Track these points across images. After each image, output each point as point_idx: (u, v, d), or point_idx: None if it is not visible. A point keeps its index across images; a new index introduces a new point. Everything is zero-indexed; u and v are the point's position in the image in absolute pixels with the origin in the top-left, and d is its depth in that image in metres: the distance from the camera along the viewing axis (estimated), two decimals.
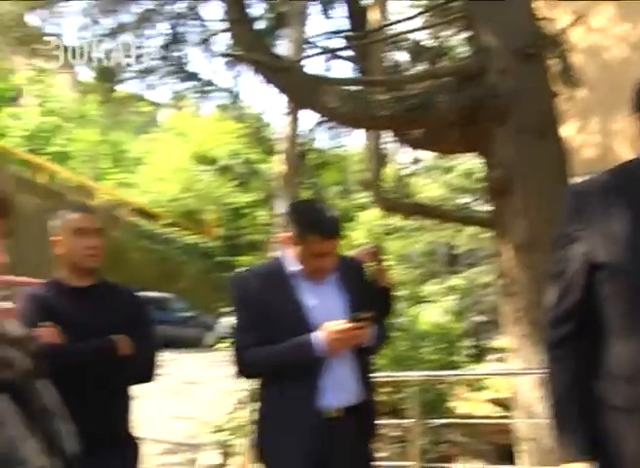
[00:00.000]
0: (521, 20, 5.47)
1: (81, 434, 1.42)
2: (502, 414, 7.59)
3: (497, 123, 5.14)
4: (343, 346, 2.92)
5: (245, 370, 3.15)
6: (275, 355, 2.93)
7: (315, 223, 2.94)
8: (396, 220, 20.98)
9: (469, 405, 10.12)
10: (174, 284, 26.19)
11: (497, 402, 9.43)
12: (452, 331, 11.72)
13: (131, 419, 3.12)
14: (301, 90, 5.21)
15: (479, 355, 11.72)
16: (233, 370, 3.10)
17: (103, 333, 2.92)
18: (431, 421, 6.40)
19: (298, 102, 6.02)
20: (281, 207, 6.78)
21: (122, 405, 3.09)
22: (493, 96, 5.14)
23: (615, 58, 9.13)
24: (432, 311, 15.14)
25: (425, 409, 6.13)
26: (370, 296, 3.17)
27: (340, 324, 2.86)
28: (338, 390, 2.95)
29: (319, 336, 2.87)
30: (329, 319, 2.90)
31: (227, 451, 7.10)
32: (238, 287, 3.14)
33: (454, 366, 10.01)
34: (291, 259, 3.03)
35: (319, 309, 2.97)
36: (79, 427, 1.40)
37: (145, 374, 3.18)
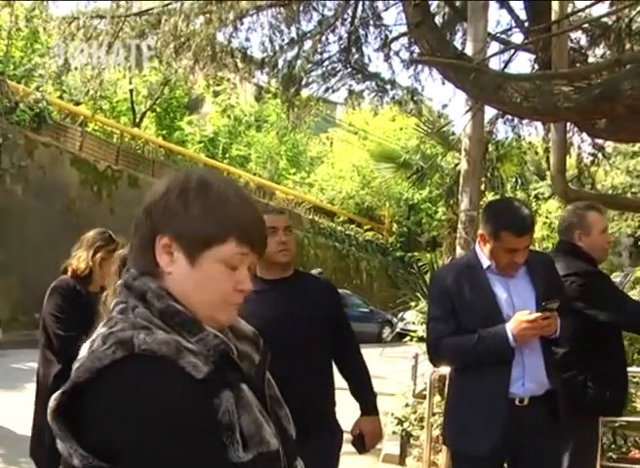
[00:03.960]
0: None
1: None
2: None
3: None
4: (533, 336, 3.04)
5: (439, 358, 3.37)
6: (469, 344, 3.09)
7: (509, 221, 3.07)
8: None
9: None
10: (352, 280, 26.72)
11: None
12: None
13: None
14: (487, 88, 5.23)
15: None
16: (427, 357, 3.27)
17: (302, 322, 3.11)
18: (613, 420, 6.22)
19: (483, 100, 6.03)
20: (464, 203, 6.80)
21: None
22: None
23: None
24: None
25: None
26: (558, 289, 3.24)
27: (530, 314, 2.98)
28: (527, 380, 3.08)
29: (510, 327, 3.01)
30: (519, 311, 3.04)
31: (408, 443, 7.24)
32: (436, 280, 3.36)
33: (637, 363, 9.54)
34: (484, 254, 3.17)
35: (510, 301, 3.12)
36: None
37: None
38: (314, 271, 12.97)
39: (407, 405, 8.11)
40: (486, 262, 3.17)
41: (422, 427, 6.79)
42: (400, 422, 7.51)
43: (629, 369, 7.13)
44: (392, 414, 8.02)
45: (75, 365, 1.24)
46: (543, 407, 3.11)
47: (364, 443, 3.28)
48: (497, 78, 5.43)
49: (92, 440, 1.19)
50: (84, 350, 1.28)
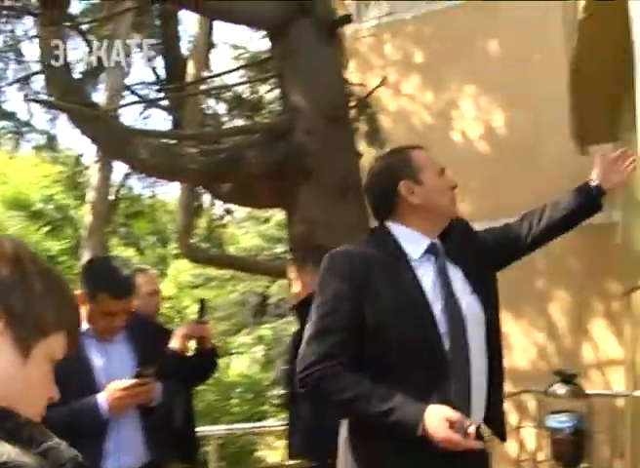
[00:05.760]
0: (330, 83, 5.66)
1: None
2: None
3: (301, 180, 5.27)
4: (127, 405, 2.84)
5: None
6: (60, 417, 2.81)
7: (106, 282, 2.88)
8: (211, 270, 20.90)
9: (279, 453, 10.19)
10: None
11: None
12: (260, 382, 11.75)
13: None
14: (112, 140, 5.11)
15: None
16: None
17: None
18: None
19: (108, 152, 5.88)
20: (86, 257, 6.55)
21: None
22: (299, 154, 5.28)
23: (420, 123, 9.65)
24: (241, 362, 15.17)
25: (231, 461, 6.11)
26: (160, 353, 3.14)
27: (123, 382, 2.81)
28: (120, 452, 2.87)
29: (103, 397, 2.79)
30: (116, 379, 2.83)
31: None
32: None
33: (263, 415, 10.05)
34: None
35: (107, 369, 2.90)
36: None
37: None
38: None
39: None
40: (83, 326, 2.94)
41: None
42: None
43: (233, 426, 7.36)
44: None
45: None
46: None
47: None
48: (122, 131, 5.36)
49: None
50: None
